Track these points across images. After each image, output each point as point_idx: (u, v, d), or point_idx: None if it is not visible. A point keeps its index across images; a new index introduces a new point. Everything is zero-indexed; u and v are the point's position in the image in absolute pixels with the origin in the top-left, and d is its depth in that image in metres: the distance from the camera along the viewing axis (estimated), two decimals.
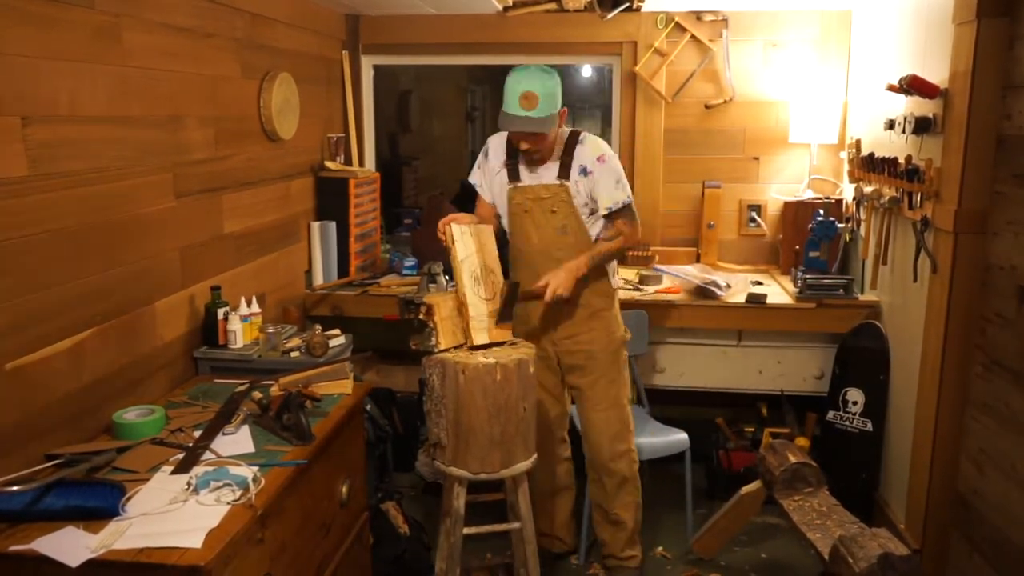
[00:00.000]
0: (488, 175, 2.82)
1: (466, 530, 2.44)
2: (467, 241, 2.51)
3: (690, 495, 3.19)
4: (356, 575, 2.57)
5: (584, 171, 2.69)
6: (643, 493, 3.58)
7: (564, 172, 2.69)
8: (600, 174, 2.68)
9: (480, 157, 2.85)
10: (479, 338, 2.42)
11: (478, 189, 2.86)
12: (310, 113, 3.63)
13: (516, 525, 2.51)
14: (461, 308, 2.43)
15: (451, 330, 2.41)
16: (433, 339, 2.38)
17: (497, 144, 2.80)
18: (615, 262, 2.88)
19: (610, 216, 2.72)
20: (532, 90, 2.48)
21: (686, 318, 3.49)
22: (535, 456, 2.49)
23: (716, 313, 3.45)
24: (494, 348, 2.43)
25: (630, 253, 4.04)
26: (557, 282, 2.56)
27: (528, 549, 2.53)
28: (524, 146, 2.59)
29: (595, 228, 2.75)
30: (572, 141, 2.71)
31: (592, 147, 2.70)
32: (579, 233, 2.73)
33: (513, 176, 2.74)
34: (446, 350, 2.38)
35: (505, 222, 2.83)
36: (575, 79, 5.29)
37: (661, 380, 3.61)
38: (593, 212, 2.73)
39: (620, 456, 2.88)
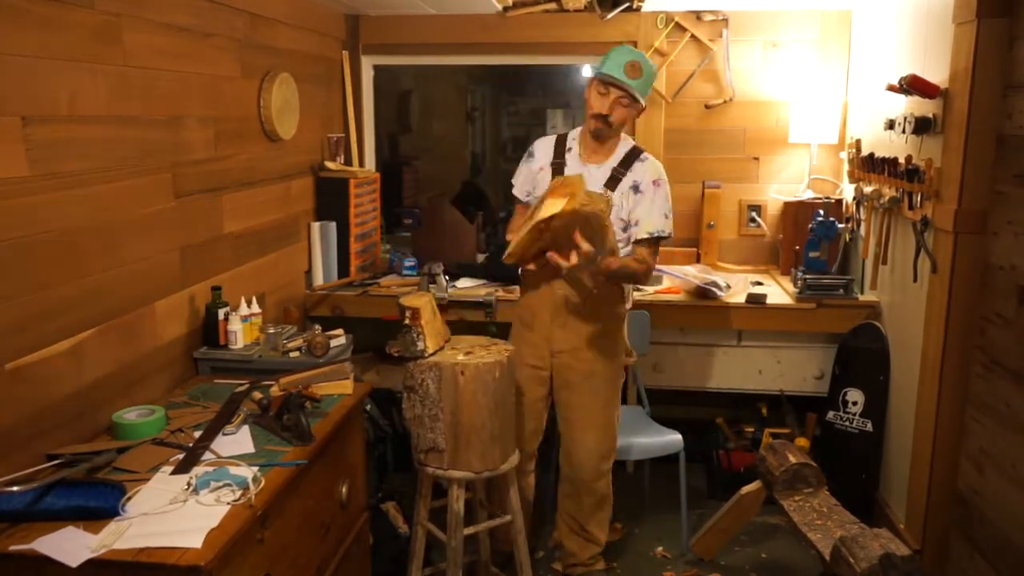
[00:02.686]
0: (530, 175, 2.75)
1: (466, 530, 2.44)
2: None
3: (684, 496, 3.18)
4: (356, 575, 2.57)
5: (636, 188, 2.63)
6: (642, 493, 3.61)
7: (612, 183, 2.63)
8: (651, 197, 2.62)
9: (523, 163, 2.79)
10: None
11: (514, 192, 2.79)
12: (310, 113, 3.63)
13: (508, 518, 2.54)
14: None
15: (433, 333, 2.39)
16: (420, 343, 2.34)
17: (545, 145, 2.75)
18: (630, 288, 2.83)
19: (641, 243, 2.64)
20: (640, 62, 2.55)
21: (686, 318, 3.50)
22: (519, 449, 2.54)
23: (716, 313, 3.45)
24: (475, 349, 2.43)
25: None
26: (587, 253, 2.30)
27: (519, 539, 2.55)
28: (606, 111, 2.55)
29: (623, 249, 2.65)
30: (632, 155, 2.66)
31: (652, 168, 2.66)
32: (609, 245, 2.57)
33: (558, 173, 2.66)
34: (433, 353, 2.37)
35: None
36: (575, 79, 5.29)
37: (661, 380, 3.61)
38: (625, 230, 2.64)
39: (603, 476, 2.81)
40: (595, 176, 2.63)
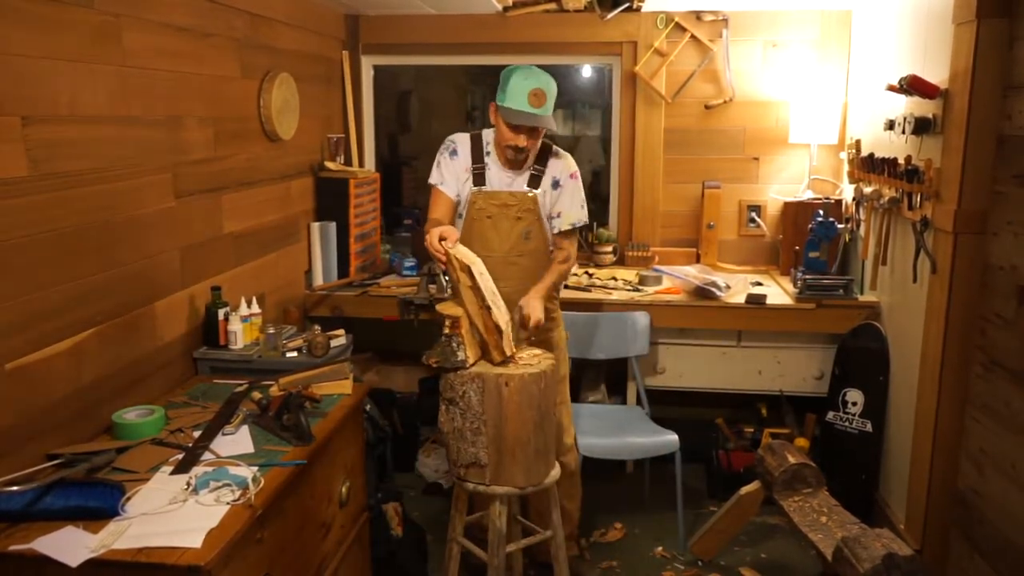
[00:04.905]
0: (455, 171, 2.73)
1: (509, 547, 2.36)
2: (473, 257, 2.37)
3: (680, 496, 3.18)
4: (355, 575, 2.57)
5: (556, 184, 2.73)
6: (642, 493, 3.60)
7: (535, 182, 2.72)
8: (570, 190, 2.73)
9: (443, 156, 2.75)
10: (509, 350, 2.30)
11: (440, 187, 2.72)
12: (310, 113, 3.63)
13: (549, 533, 2.47)
14: (480, 322, 2.29)
15: (471, 343, 2.28)
16: (461, 353, 2.24)
17: (464, 145, 2.75)
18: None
19: (563, 234, 2.75)
20: (542, 88, 2.52)
21: (686, 318, 3.50)
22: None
23: (716, 313, 3.45)
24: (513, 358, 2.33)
25: (628, 254, 4.05)
26: (537, 313, 2.51)
27: (560, 555, 2.48)
28: (523, 143, 2.58)
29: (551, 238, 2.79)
30: (545, 152, 2.74)
31: (567, 162, 2.75)
32: (540, 239, 2.76)
33: (479, 181, 2.71)
34: (474, 363, 2.26)
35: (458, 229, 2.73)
36: (575, 79, 5.30)
37: (661, 380, 3.61)
38: (549, 222, 2.76)
39: (569, 450, 2.89)
40: (517, 180, 2.72)
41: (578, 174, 2.78)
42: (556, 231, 2.76)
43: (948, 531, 2.74)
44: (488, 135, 2.75)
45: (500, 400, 2.21)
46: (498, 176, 2.72)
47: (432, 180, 2.76)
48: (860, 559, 2.24)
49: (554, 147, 2.78)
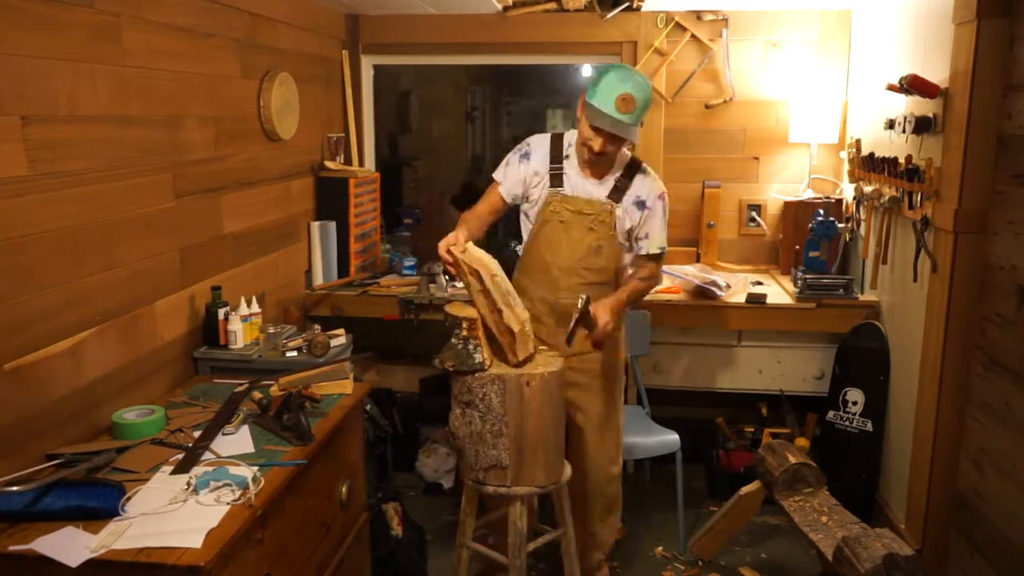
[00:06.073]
0: (521, 177, 2.64)
1: (529, 546, 2.36)
2: (485, 260, 2.34)
3: (681, 496, 3.19)
4: (355, 575, 2.57)
5: (641, 204, 2.59)
6: (643, 493, 3.60)
7: (616, 195, 2.58)
8: (657, 213, 2.61)
9: (513, 156, 2.67)
10: (531, 346, 2.31)
11: (505, 196, 2.66)
12: (310, 113, 3.63)
13: (562, 530, 2.47)
14: (493, 325, 2.27)
15: (485, 345, 2.27)
16: (478, 356, 2.22)
17: (541, 146, 2.64)
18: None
19: (648, 256, 2.64)
20: (632, 94, 2.38)
21: (686, 318, 3.50)
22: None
23: (716, 313, 3.45)
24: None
25: None
26: (606, 319, 2.40)
27: (570, 549, 2.50)
28: (598, 147, 2.45)
29: (625, 259, 2.69)
30: (634, 167, 2.62)
31: (655, 183, 2.62)
32: (610, 257, 2.62)
33: (556, 183, 2.60)
34: (491, 365, 2.25)
35: (526, 229, 2.70)
36: (575, 79, 5.31)
37: (661, 380, 3.61)
38: (627, 241, 2.65)
39: (612, 479, 2.80)
40: (599, 188, 2.60)
41: (666, 195, 2.63)
42: (643, 252, 2.64)
43: (948, 531, 2.74)
44: (571, 136, 2.63)
45: (521, 400, 2.20)
46: (579, 182, 2.59)
47: (495, 175, 2.70)
48: (861, 559, 2.24)
49: (643, 164, 2.64)
